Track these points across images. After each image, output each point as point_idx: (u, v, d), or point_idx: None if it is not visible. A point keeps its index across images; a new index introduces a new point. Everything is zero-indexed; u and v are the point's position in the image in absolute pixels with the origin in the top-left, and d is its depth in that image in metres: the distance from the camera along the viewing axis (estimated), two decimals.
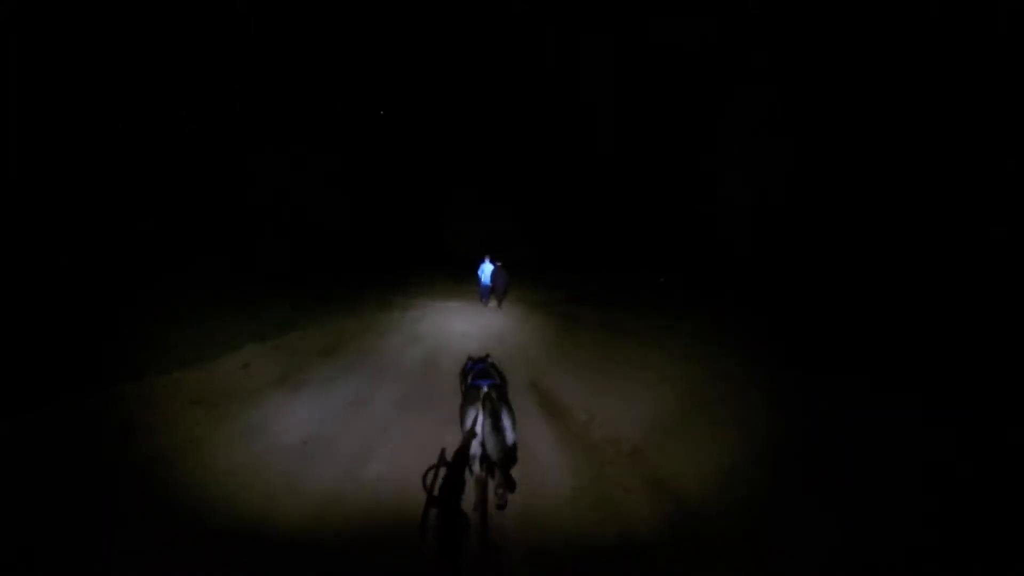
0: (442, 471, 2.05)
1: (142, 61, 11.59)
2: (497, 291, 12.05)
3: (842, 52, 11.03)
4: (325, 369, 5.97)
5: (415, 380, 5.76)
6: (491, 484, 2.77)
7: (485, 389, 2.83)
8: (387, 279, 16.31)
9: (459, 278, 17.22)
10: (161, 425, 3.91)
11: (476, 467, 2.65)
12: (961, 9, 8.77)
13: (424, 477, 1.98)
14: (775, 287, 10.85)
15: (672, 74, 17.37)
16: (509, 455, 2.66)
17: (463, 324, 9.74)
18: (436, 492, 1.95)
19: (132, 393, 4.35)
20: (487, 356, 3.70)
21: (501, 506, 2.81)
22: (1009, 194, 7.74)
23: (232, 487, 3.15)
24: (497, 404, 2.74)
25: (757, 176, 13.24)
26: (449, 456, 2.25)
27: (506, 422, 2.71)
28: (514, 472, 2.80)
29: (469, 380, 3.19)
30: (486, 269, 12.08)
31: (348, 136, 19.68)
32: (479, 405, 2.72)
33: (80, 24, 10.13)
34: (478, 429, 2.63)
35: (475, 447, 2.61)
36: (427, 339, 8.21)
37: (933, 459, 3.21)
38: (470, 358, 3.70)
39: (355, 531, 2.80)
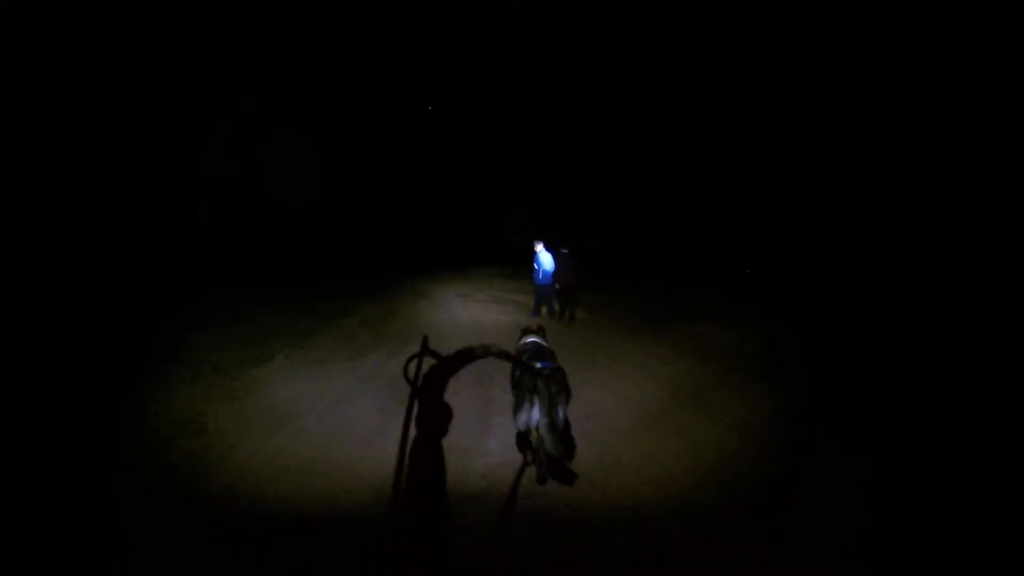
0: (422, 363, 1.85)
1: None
2: (565, 293, 7.99)
3: None
4: None
5: None
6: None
7: (544, 371, 2.68)
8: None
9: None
10: None
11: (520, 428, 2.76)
12: None
13: (406, 367, 1.84)
14: None
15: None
16: (568, 448, 2.62)
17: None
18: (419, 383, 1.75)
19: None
20: (540, 329, 3.62)
21: (542, 479, 2.74)
22: None
23: None
24: (555, 396, 2.59)
25: None
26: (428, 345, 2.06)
27: (561, 415, 2.61)
28: None
29: (525, 360, 2.94)
30: (544, 259, 8.01)
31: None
32: (535, 395, 2.61)
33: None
34: (534, 419, 2.60)
35: (522, 422, 2.68)
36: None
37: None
38: (525, 330, 3.59)
39: None
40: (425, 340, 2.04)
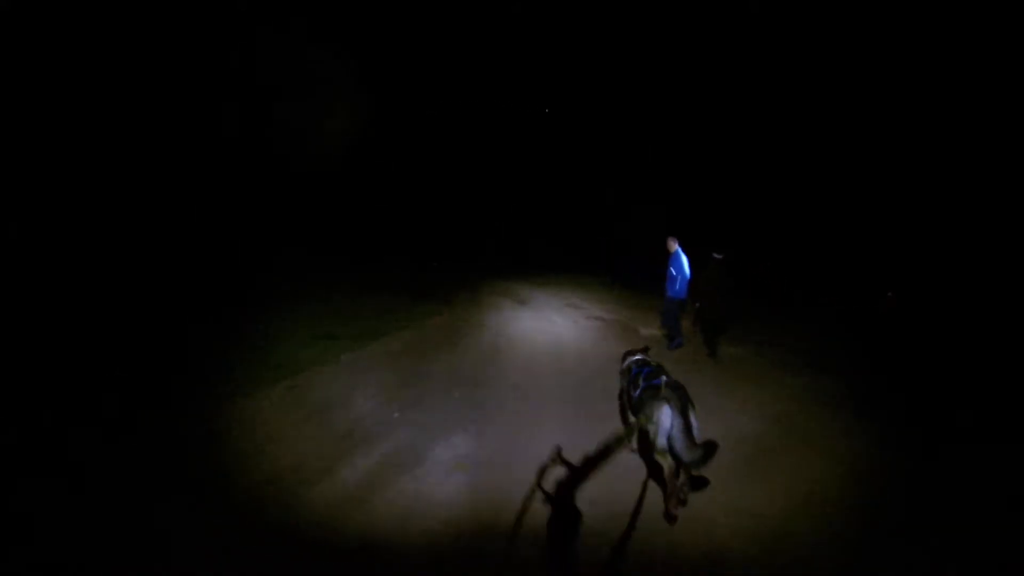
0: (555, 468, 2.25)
1: None
2: (709, 315, 5.85)
3: None
4: None
5: None
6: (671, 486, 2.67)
7: (666, 381, 2.81)
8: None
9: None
10: None
11: (666, 460, 2.64)
12: None
13: (538, 480, 2.29)
14: None
15: None
16: (708, 452, 2.43)
17: None
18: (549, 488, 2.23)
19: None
20: (646, 348, 3.76)
21: (672, 515, 2.65)
22: None
23: None
24: (684, 401, 2.65)
25: None
26: (563, 454, 2.76)
27: (694, 420, 2.62)
28: None
29: (641, 381, 3.06)
30: (682, 262, 5.85)
31: None
32: (663, 402, 2.67)
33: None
34: (667, 425, 2.59)
35: (662, 440, 2.63)
36: None
37: None
38: (629, 353, 3.67)
39: None
40: (557, 449, 3.21)
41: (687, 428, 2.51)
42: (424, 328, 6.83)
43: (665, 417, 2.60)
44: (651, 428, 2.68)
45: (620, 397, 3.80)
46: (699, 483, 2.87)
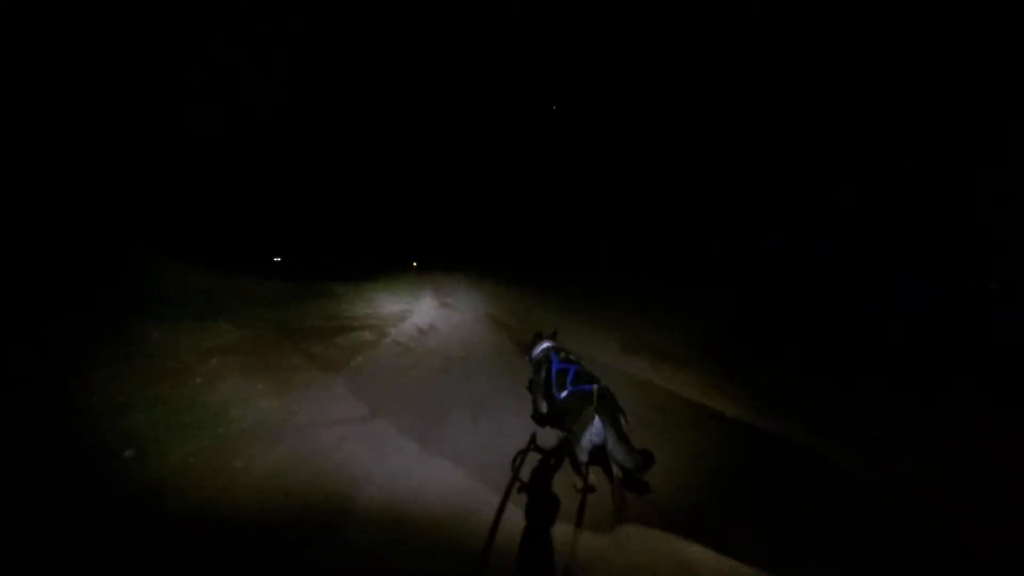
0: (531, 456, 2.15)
1: None
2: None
3: None
4: None
5: None
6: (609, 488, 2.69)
7: (596, 389, 2.65)
8: None
9: None
10: None
11: (583, 458, 2.61)
12: None
13: (514, 461, 2.24)
14: None
15: None
16: (646, 459, 2.38)
17: None
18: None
19: None
20: (555, 333, 3.53)
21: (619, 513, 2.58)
22: None
23: None
24: (615, 410, 2.57)
25: None
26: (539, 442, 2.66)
27: (625, 427, 2.55)
28: None
29: (568, 384, 2.82)
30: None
31: None
32: (592, 410, 2.55)
33: None
34: (596, 441, 2.52)
35: (583, 456, 2.58)
36: None
37: None
38: (539, 336, 3.46)
39: None
40: (533, 437, 2.91)
41: (621, 437, 2.44)
42: None
43: (596, 433, 2.50)
44: (577, 439, 2.58)
45: (530, 389, 3.51)
46: (641, 487, 2.76)
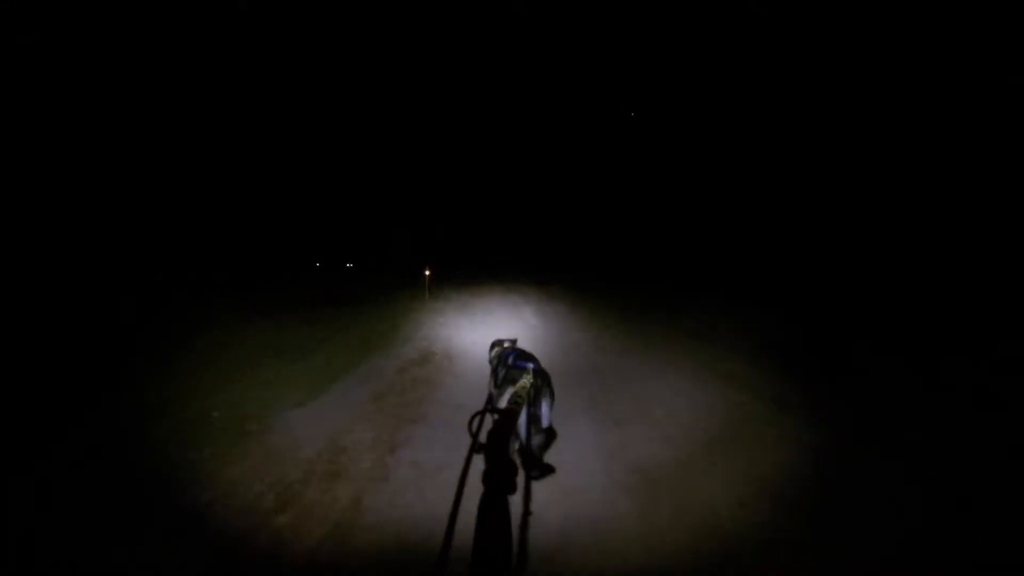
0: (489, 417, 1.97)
1: None
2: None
3: None
4: None
5: None
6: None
7: (532, 368, 2.63)
8: None
9: None
10: None
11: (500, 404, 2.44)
12: None
13: (470, 423, 1.96)
14: None
15: None
16: (548, 439, 2.50)
17: None
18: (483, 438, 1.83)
19: None
20: (515, 340, 3.50)
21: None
22: None
23: None
24: (540, 388, 2.56)
25: None
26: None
27: (544, 410, 2.56)
28: None
29: (510, 362, 2.80)
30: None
31: None
32: (529, 375, 2.53)
33: None
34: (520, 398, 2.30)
35: (508, 394, 2.41)
36: None
37: None
38: (497, 342, 3.44)
39: None
40: (490, 397, 2.36)
41: (533, 416, 2.47)
42: None
43: (519, 393, 2.48)
44: (501, 394, 2.56)
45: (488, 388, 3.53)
46: (544, 469, 2.64)
